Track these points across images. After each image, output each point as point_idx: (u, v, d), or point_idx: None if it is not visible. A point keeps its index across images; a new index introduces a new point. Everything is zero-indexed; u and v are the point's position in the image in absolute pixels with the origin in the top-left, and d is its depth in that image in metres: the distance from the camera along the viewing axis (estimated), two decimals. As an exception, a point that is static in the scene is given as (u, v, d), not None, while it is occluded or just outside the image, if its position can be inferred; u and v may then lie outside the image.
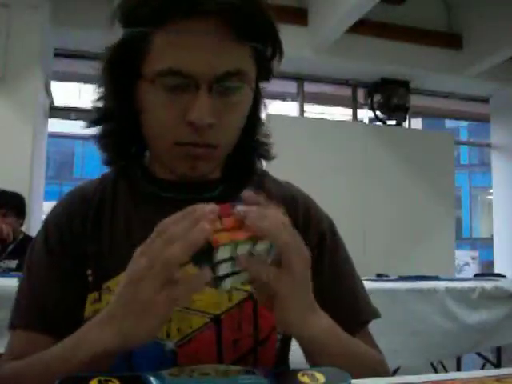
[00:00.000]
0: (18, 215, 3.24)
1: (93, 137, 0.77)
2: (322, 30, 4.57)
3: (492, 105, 6.16)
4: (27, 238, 3.23)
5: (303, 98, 5.47)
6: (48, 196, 4.96)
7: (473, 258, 9.07)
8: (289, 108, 5.68)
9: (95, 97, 0.76)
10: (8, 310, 0.76)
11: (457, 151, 13.50)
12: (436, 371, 2.93)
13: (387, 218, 4.99)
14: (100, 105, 0.76)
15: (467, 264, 8.78)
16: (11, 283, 1.66)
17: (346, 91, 5.70)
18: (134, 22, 0.68)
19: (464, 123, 13.84)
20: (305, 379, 0.52)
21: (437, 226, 5.21)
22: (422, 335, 2.23)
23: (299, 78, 5.41)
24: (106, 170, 0.84)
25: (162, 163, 0.77)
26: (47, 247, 0.76)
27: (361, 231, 4.83)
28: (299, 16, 4.77)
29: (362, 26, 4.60)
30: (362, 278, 0.85)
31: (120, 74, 0.72)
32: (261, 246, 0.55)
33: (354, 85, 5.62)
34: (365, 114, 5.73)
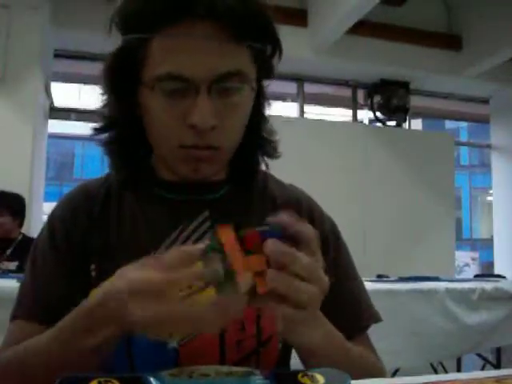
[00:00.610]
0: (14, 215, 3.21)
1: (99, 144, 0.78)
2: (322, 30, 4.57)
3: (492, 105, 6.16)
4: (26, 239, 3.21)
5: (303, 98, 5.47)
6: (48, 197, 4.96)
7: (473, 259, 9.08)
8: (289, 109, 5.68)
9: (99, 104, 0.77)
10: (7, 311, 0.76)
11: (457, 152, 13.51)
12: (436, 372, 2.93)
13: (387, 219, 4.99)
14: (104, 112, 0.77)
15: (467, 265, 8.78)
16: (10, 284, 1.66)
17: (346, 92, 5.70)
18: (130, 29, 0.69)
19: (464, 124, 13.85)
20: (305, 380, 0.52)
21: (437, 227, 5.21)
22: (422, 336, 2.23)
23: (299, 79, 5.41)
24: (107, 170, 0.84)
25: (167, 165, 0.78)
26: (52, 241, 0.76)
27: (361, 232, 4.83)
28: (299, 17, 4.77)
29: (362, 27, 4.60)
30: (362, 279, 0.85)
31: (120, 81, 0.72)
32: None
33: (354, 86, 5.62)
34: (365, 115, 5.73)
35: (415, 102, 5.70)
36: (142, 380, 0.51)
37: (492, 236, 6.23)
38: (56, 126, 5.76)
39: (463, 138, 14.56)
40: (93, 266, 0.75)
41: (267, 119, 0.82)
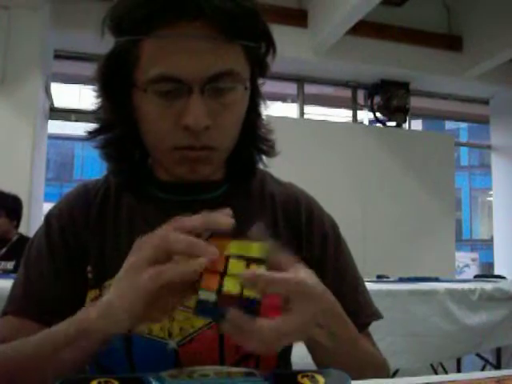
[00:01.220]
0: (11, 216, 3.21)
1: (95, 147, 0.78)
2: (322, 31, 4.57)
3: (492, 106, 6.16)
4: (23, 238, 3.21)
5: (303, 99, 5.48)
6: (48, 197, 4.96)
7: (473, 260, 9.08)
8: (289, 109, 5.68)
9: (94, 107, 0.77)
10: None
11: (457, 153, 13.50)
12: (436, 373, 2.93)
13: (387, 220, 4.99)
14: (99, 115, 0.77)
15: (467, 265, 8.78)
16: (9, 285, 1.65)
17: (346, 93, 5.70)
18: (122, 31, 0.69)
19: (464, 125, 13.85)
20: (304, 381, 0.52)
21: (437, 228, 5.21)
22: (422, 336, 2.23)
23: (299, 80, 5.41)
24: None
25: (163, 166, 0.77)
26: (47, 239, 0.76)
27: (361, 233, 4.83)
28: (299, 18, 4.77)
29: (362, 28, 4.60)
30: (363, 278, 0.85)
31: (113, 83, 0.72)
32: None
33: (354, 86, 5.62)
34: (365, 116, 5.73)
35: (415, 102, 5.70)
36: (142, 380, 0.51)
37: (492, 237, 6.23)
38: (56, 127, 5.76)
39: (463, 138, 14.56)
40: (89, 268, 0.75)
41: (263, 118, 0.81)
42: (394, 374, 2.44)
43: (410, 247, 5.02)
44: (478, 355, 2.91)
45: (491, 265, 6.30)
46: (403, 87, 5.44)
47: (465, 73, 5.20)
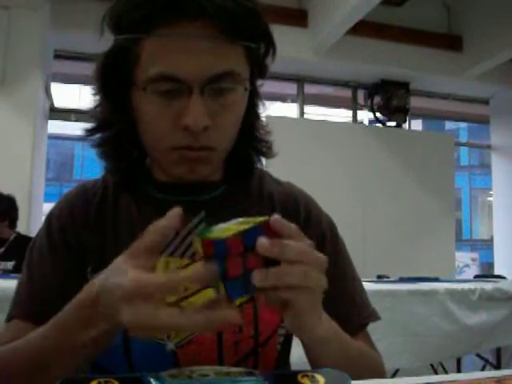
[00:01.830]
0: (3, 216, 3.21)
1: (92, 146, 0.77)
2: (322, 31, 4.57)
3: (492, 106, 6.16)
4: (21, 237, 3.21)
5: (303, 99, 5.48)
6: (48, 197, 4.96)
7: (473, 260, 9.08)
8: (289, 109, 5.68)
9: (92, 105, 0.76)
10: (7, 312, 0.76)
11: (457, 152, 13.50)
12: (436, 373, 2.92)
13: (387, 220, 4.99)
14: (97, 113, 0.76)
15: (467, 265, 8.78)
16: (11, 285, 1.65)
17: (346, 93, 5.70)
18: (122, 29, 0.68)
19: (464, 125, 13.84)
20: (304, 381, 0.52)
21: (437, 228, 5.21)
22: (422, 336, 2.23)
23: (299, 80, 5.41)
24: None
25: (161, 166, 0.77)
26: (49, 240, 0.76)
27: (361, 233, 4.83)
28: (299, 17, 4.77)
29: (362, 28, 4.60)
30: (362, 280, 0.85)
31: (112, 82, 0.72)
32: None
33: (354, 86, 5.63)
34: (365, 116, 5.73)
35: (415, 102, 5.70)
36: (141, 380, 0.51)
37: (492, 237, 6.23)
38: (56, 127, 5.76)
39: (463, 138, 14.55)
40: (89, 269, 0.74)
41: (261, 119, 0.81)
42: (394, 374, 2.44)
43: (410, 247, 5.02)
44: (477, 355, 2.90)
45: (491, 265, 6.31)
46: (403, 87, 5.44)
47: (465, 73, 5.20)
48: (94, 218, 0.77)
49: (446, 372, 3.11)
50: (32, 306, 0.73)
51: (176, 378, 0.53)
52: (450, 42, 5.24)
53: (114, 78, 0.71)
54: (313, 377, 0.52)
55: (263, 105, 0.80)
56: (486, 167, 10.50)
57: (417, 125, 7.63)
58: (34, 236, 0.81)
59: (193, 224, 0.76)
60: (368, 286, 0.86)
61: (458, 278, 6.14)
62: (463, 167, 16.94)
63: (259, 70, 0.75)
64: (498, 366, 2.85)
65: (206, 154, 0.71)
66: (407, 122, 5.66)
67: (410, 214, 5.09)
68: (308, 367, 0.63)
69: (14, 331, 0.71)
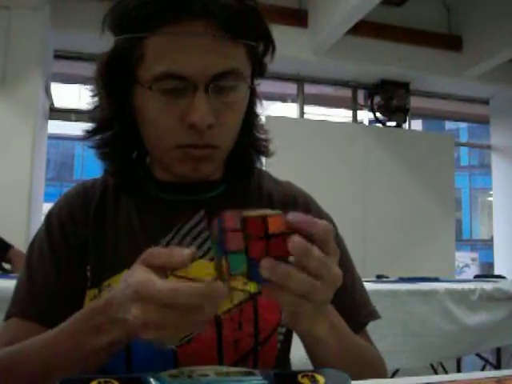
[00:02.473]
0: None
1: (91, 147, 0.77)
2: (322, 31, 4.57)
3: (492, 106, 6.15)
4: None
5: (303, 99, 5.47)
6: (48, 197, 4.95)
7: (473, 260, 9.08)
8: (289, 109, 5.68)
9: (91, 106, 0.76)
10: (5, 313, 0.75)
11: (457, 153, 13.50)
12: (436, 373, 2.93)
13: (387, 220, 4.99)
14: (96, 114, 0.76)
15: (467, 265, 8.78)
16: (9, 285, 1.65)
17: (346, 93, 5.70)
18: (126, 28, 0.68)
19: (464, 125, 13.85)
20: (304, 381, 0.52)
21: (437, 228, 5.21)
22: (422, 336, 2.23)
23: (299, 80, 5.41)
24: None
25: (163, 165, 0.77)
26: (49, 239, 0.76)
27: (361, 232, 4.83)
28: (299, 17, 4.77)
29: (362, 28, 4.60)
30: (362, 280, 0.85)
31: (114, 81, 0.72)
32: None
33: (354, 86, 5.62)
34: (365, 116, 5.73)
35: (415, 102, 5.69)
36: (141, 380, 0.51)
37: (492, 237, 6.23)
38: (56, 127, 5.75)
39: (463, 138, 14.56)
40: (88, 267, 0.74)
41: (260, 117, 0.81)
42: (394, 374, 2.44)
43: (410, 247, 5.02)
44: (477, 355, 2.91)
45: (491, 265, 6.30)
46: (403, 87, 5.43)
47: (465, 73, 5.20)
48: (94, 217, 0.77)
49: (446, 372, 3.11)
50: (31, 305, 0.73)
51: (176, 378, 0.53)
52: (450, 41, 5.24)
53: (117, 76, 0.71)
54: (313, 377, 0.52)
55: (261, 104, 0.81)
56: (486, 167, 10.49)
57: (417, 125, 7.63)
58: (33, 236, 0.81)
59: (193, 222, 0.76)
60: (368, 285, 0.86)
61: (457, 277, 6.14)
62: (463, 167, 16.94)
63: (259, 69, 0.75)
64: (498, 366, 2.85)
65: (209, 152, 0.71)
66: (407, 122, 5.65)
67: (410, 213, 5.08)
68: (308, 367, 0.63)
69: (13, 330, 0.71)
